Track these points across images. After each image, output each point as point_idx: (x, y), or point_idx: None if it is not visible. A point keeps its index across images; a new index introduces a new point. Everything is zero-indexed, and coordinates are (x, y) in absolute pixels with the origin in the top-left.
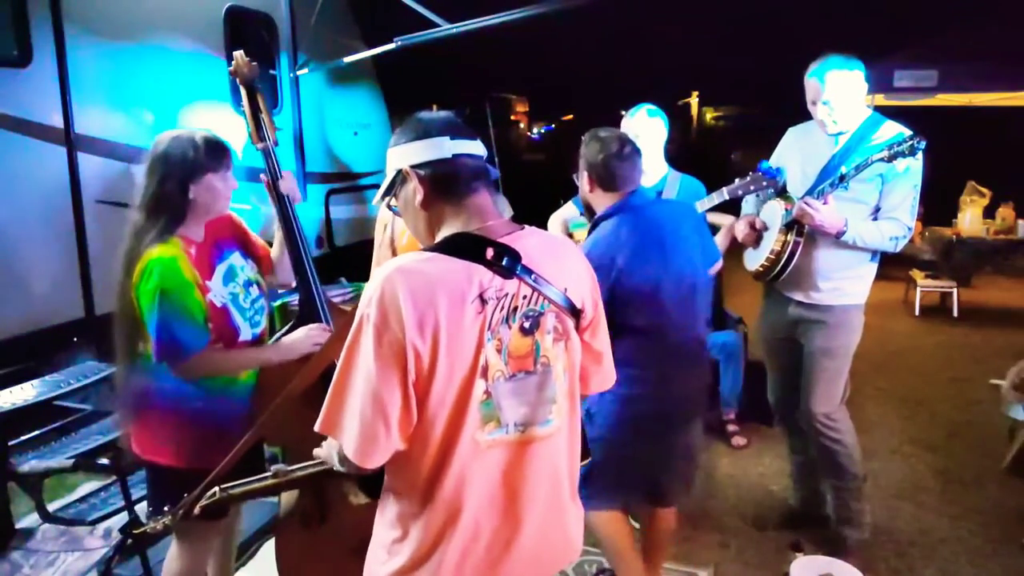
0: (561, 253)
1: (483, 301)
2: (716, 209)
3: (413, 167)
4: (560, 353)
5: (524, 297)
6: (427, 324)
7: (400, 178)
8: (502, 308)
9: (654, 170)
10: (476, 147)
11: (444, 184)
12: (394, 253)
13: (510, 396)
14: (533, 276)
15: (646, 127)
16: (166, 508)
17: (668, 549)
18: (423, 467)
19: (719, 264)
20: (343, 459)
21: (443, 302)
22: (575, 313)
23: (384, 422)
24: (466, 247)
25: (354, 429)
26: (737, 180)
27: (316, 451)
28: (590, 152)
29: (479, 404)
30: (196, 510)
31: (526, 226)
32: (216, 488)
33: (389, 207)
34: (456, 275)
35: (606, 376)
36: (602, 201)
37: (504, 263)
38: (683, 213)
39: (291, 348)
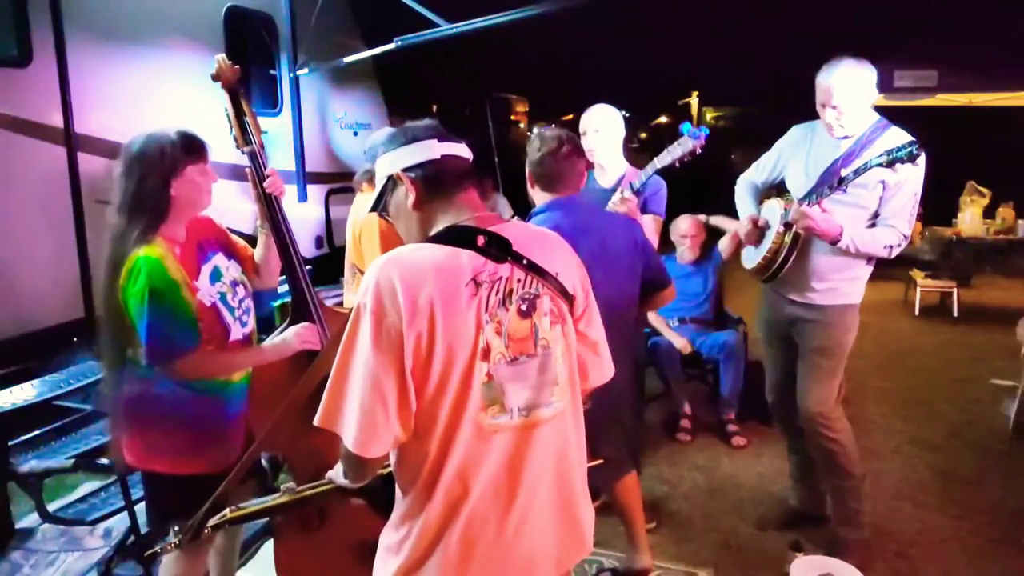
0: (548, 243)
1: (477, 284)
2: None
3: (404, 170)
4: (558, 336)
5: (519, 280)
6: (423, 307)
7: (391, 184)
8: (497, 291)
9: (613, 166)
10: (462, 149)
11: (434, 184)
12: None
13: (513, 380)
14: (525, 260)
15: (605, 120)
16: (175, 529)
17: (641, 511)
18: (427, 455)
19: (671, 290)
20: (345, 469)
21: (437, 285)
22: (568, 298)
23: (383, 407)
24: (457, 236)
25: (353, 418)
26: (666, 148)
27: (329, 474)
28: (531, 149)
29: (481, 386)
30: (206, 531)
31: (514, 219)
32: (227, 509)
33: (381, 215)
34: (448, 260)
35: (604, 368)
36: (539, 200)
37: (495, 249)
38: (614, 230)
39: (282, 347)
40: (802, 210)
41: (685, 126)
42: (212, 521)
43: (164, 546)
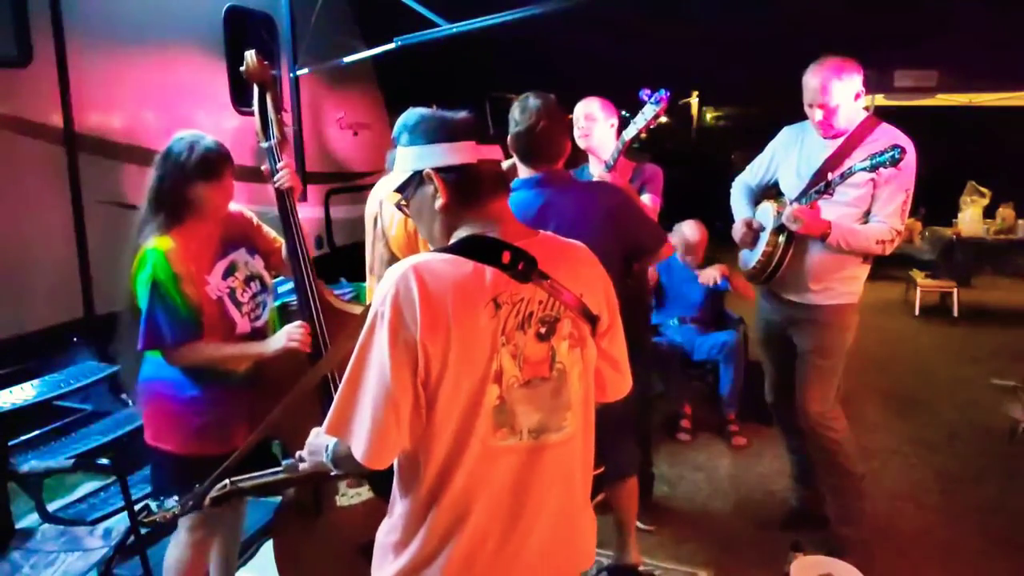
0: (577, 259)
1: (497, 305)
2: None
3: (436, 170)
4: (576, 359)
5: (540, 302)
6: (439, 325)
7: (417, 180)
8: (517, 313)
9: (606, 156)
10: (496, 152)
11: (469, 190)
12: (387, 245)
13: (524, 402)
14: (549, 281)
15: (597, 109)
16: (176, 499)
17: (635, 513)
18: (432, 469)
19: (667, 246)
20: (338, 462)
21: (456, 304)
22: (591, 319)
23: (396, 421)
24: (482, 250)
25: (364, 430)
26: (631, 120)
27: (303, 466)
28: (511, 120)
29: (492, 409)
30: (206, 502)
31: (542, 231)
32: (227, 481)
33: (399, 207)
34: (471, 278)
35: (623, 383)
36: (520, 172)
37: (520, 267)
38: (585, 207)
39: (268, 344)
40: (788, 209)
41: (642, 93)
42: (213, 492)
43: (163, 514)
